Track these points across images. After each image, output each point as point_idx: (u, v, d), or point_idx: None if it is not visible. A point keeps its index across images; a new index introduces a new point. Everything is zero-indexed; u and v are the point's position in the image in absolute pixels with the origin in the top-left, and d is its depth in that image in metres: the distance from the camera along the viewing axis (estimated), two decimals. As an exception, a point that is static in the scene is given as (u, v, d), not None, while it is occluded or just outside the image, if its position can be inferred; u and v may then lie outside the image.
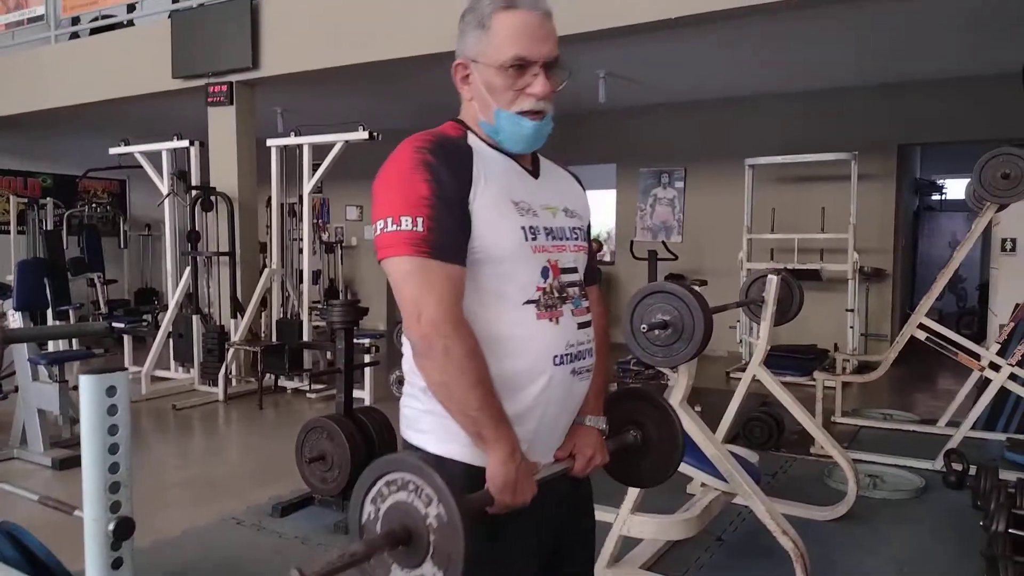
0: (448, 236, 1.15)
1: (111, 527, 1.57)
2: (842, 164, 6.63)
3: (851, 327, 6.60)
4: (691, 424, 2.50)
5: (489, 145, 1.26)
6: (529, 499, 1.17)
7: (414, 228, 1.13)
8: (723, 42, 5.59)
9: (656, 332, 2.33)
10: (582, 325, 1.29)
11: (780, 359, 6.27)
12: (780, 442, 4.33)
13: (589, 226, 1.44)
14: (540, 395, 1.23)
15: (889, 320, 7.33)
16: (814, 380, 4.79)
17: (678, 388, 2.51)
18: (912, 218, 9.25)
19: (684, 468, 2.87)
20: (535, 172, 1.33)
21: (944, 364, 4.21)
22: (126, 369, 1.57)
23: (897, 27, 5.22)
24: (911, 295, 8.18)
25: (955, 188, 10.00)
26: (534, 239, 1.23)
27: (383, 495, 1.07)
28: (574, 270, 1.31)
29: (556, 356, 1.24)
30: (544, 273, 1.24)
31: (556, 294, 1.25)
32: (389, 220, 1.15)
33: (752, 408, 4.41)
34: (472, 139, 1.25)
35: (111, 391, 1.54)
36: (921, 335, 4.11)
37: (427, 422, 1.24)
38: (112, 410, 1.54)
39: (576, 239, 1.33)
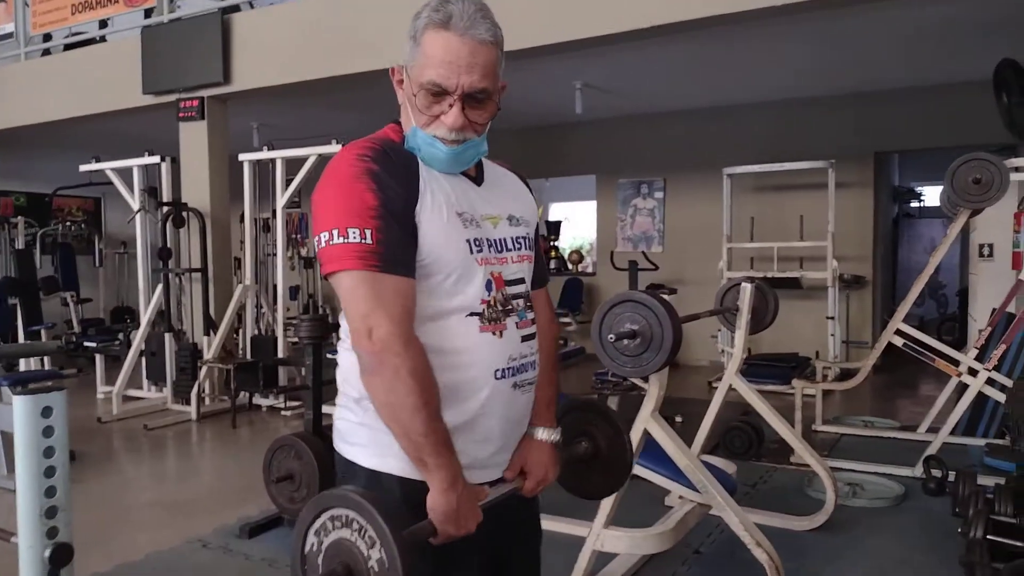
0: (397, 248, 1.11)
1: (47, 554, 1.50)
2: (819, 172, 6.65)
3: (832, 335, 6.60)
4: (663, 435, 2.45)
5: None
6: (473, 528, 1.12)
7: (362, 240, 1.08)
8: (699, 52, 5.60)
9: (625, 342, 2.28)
10: (526, 338, 1.26)
11: (761, 367, 6.25)
12: (760, 452, 4.29)
13: (537, 228, 1.39)
14: (480, 408, 1.20)
15: (870, 327, 7.34)
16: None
17: (649, 398, 2.46)
18: (891, 225, 9.29)
19: (658, 479, 2.82)
20: (478, 179, 1.28)
21: (927, 370, 4.20)
22: (63, 388, 1.50)
23: (871, 35, 5.24)
24: (892, 302, 8.19)
25: (933, 195, 10.06)
26: (479, 251, 1.20)
27: (327, 529, 1.04)
28: (520, 281, 1.28)
29: (497, 370, 1.21)
30: (488, 286, 1.20)
31: (500, 307, 1.21)
32: (335, 232, 1.09)
33: (732, 417, 4.37)
34: None
35: (47, 412, 1.47)
36: (899, 341, 4.09)
37: (362, 435, 1.21)
38: (48, 431, 1.47)
39: (520, 248, 1.29)
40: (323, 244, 1.11)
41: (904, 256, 9.69)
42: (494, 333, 1.20)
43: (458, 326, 1.17)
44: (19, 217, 8.47)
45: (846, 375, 5.44)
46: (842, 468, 3.93)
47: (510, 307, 1.23)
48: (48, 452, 1.47)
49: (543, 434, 1.34)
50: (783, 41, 5.38)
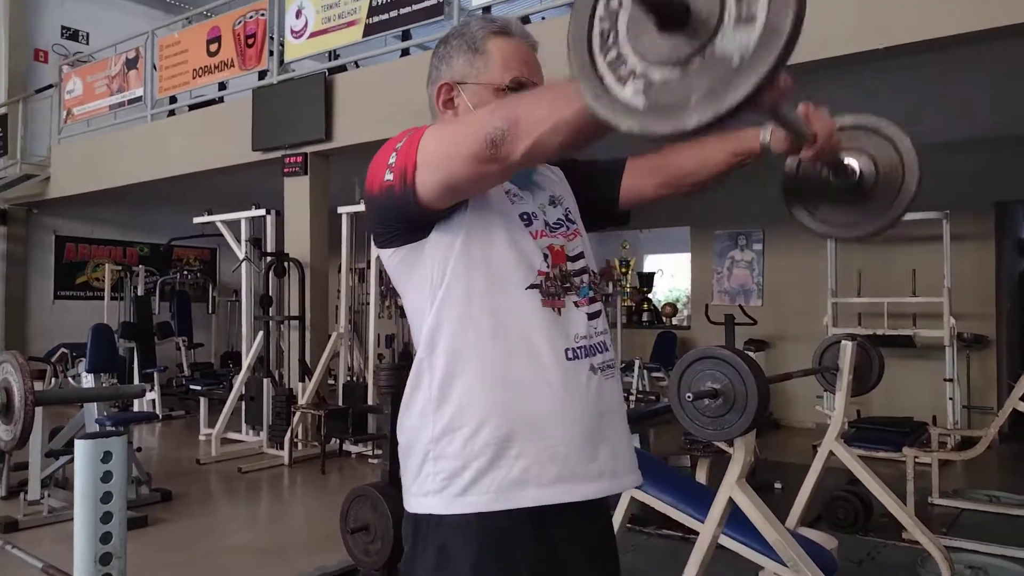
0: None
1: (101, 601, 1.50)
2: (933, 224, 6.23)
3: (951, 398, 6.08)
4: (749, 505, 2.27)
5: None
6: None
7: (416, 129, 1.05)
8: (800, 99, 5.40)
9: (706, 402, 2.14)
10: (591, 315, 1.15)
11: (870, 432, 5.80)
12: (868, 525, 3.94)
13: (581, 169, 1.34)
14: (558, 398, 1.08)
15: (995, 391, 6.73)
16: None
17: (734, 464, 2.29)
18: (1018, 280, 8.58)
19: (747, 552, 2.61)
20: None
21: (1061, 440, 3.80)
22: (124, 434, 1.51)
23: (991, 80, 4.91)
24: (1020, 363, 7.50)
25: (1066, 248, 9.24)
26: (528, 224, 1.14)
27: None
28: (579, 256, 1.19)
29: (568, 350, 1.10)
30: (545, 258, 1.13)
31: (559, 282, 1.12)
32: (392, 155, 1.05)
33: (837, 486, 4.05)
34: None
35: (107, 457, 1.49)
36: (1025, 408, 3.70)
37: (430, 482, 1.09)
38: (107, 477, 1.48)
39: (567, 226, 1.22)
40: (389, 168, 1.05)
41: (1034, 314, 8.90)
42: (554, 310, 1.11)
43: (518, 301, 1.09)
44: (140, 266, 9.07)
45: (967, 443, 4.97)
46: (962, 548, 3.54)
47: (568, 284, 1.14)
48: (106, 498, 1.48)
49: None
50: (894, 85, 5.12)
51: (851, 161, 1.23)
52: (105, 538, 1.49)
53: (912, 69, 4.65)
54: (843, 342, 3.14)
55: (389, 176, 1.04)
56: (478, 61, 1.15)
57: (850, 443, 5.23)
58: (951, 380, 6.09)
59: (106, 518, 1.49)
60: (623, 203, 1.36)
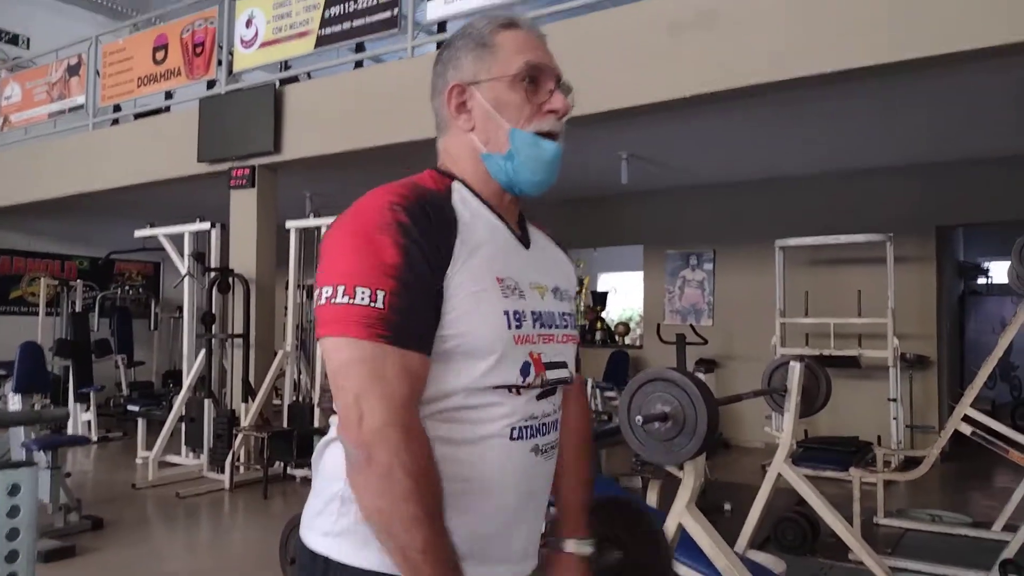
0: (414, 318, 0.92)
1: (5, 650, 1.38)
2: (878, 246, 6.38)
3: (895, 418, 6.20)
4: (699, 531, 2.23)
5: (479, 199, 1.06)
6: None
7: (372, 303, 0.90)
8: (748, 122, 5.48)
9: (656, 425, 2.11)
10: (542, 395, 1.05)
11: (818, 452, 5.89)
12: (816, 546, 3.95)
13: (575, 314, 1.21)
14: (493, 477, 0.99)
15: (936, 410, 6.88)
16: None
17: (684, 489, 2.25)
18: (958, 302, 8.85)
19: (697, 578, 2.58)
20: (525, 240, 1.11)
21: (1003, 458, 3.85)
22: (34, 464, 1.40)
23: (932, 105, 5.05)
24: (960, 383, 7.71)
25: (1001, 271, 9.59)
26: (518, 327, 1.01)
27: None
28: (562, 364, 1.08)
29: (513, 428, 1.00)
30: (525, 370, 1.01)
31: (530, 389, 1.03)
32: (340, 289, 0.92)
33: (785, 507, 4.06)
34: (457, 193, 1.05)
35: (14, 490, 1.37)
36: (966, 429, 3.76)
37: (339, 520, 0.99)
38: (13, 512, 1.36)
39: (566, 327, 1.11)
40: (323, 301, 0.93)
41: (972, 335, 9.19)
42: (509, 390, 1.01)
43: (474, 393, 0.99)
44: (78, 280, 8.74)
45: (911, 463, 5.06)
46: (907, 569, 3.58)
47: (541, 393, 1.05)
48: (12, 535, 1.36)
49: (574, 547, 1.14)
50: (838, 112, 5.23)
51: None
52: (9, 579, 1.37)
53: (854, 95, 4.76)
54: (791, 363, 3.15)
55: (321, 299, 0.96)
56: (487, 56, 1.06)
57: (797, 463, 5.28)
58: (895, 400, 6.21)
59: (12, 557, 1.37)
60: None
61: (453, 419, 0.97)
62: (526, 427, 1.02)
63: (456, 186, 1.06)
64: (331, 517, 1.00)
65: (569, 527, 1.16)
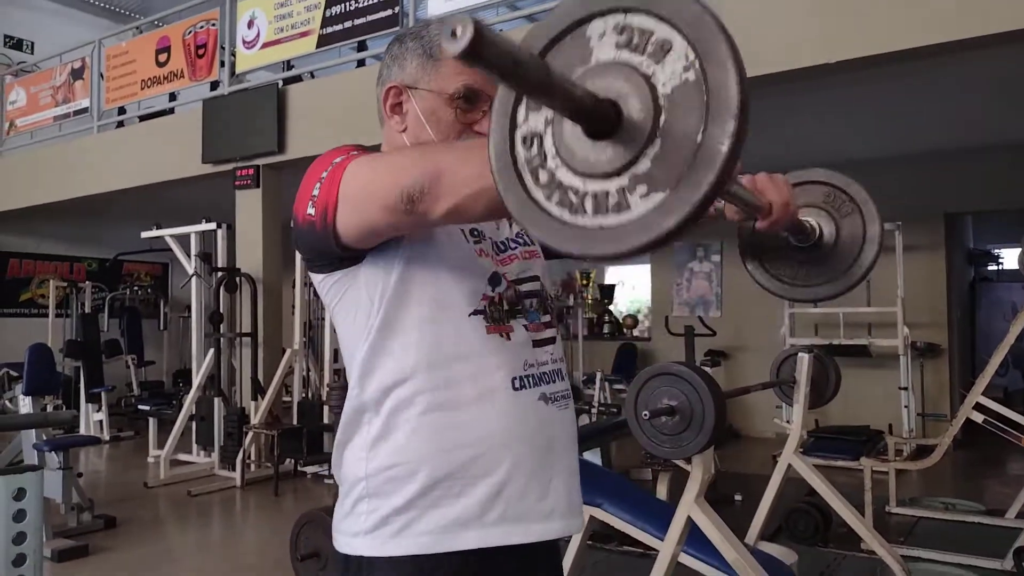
0: None
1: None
2: (886, 235, 6.26)
3: (906, 406, 6.16)
4: (708, 524, 2.22)
5: None
6: None
7: (340, 163, 0.96)
8: (753, 113, 5.41)
9: (663, 419, 2.10)
10: (540, 343, 1.06)
11: (829, 441, 5.87)
12: (827, 536, 3.94)
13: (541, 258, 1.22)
14: (504, 431, 0.99)
15: (948, 398, 6.85)
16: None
17: (692, 482, 2.24)
18: (968, 290, 8.78)
19: (708, 571, 2.57)
20: None
21: (1017, 446, 3.82)
22: (39, 469, 1.40)
23: (940, 93, 5.01)
24: (971, 371, 7.66)
25: (1012, 258, 9.51)
26: (476, 241, 1.06)
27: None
28: (532, 278, 1.11)
29: (514, 379, 1.00)
30: (493, 279, 1.04)
31: (503, 306, 1.03)
32: (317, 185, 0.96)
33: (796, 497, 4.05)
34: None
35: (20, 494, 1.37)
36: (978, 417, 3.73)
37: (363, 521, 1.00)
38: (20, 516, 1.37)
39: (526, 244, 1.14)
40: (308, 210, 0.96)
41: (983, 322, 9.11)
42: (501, 335, 1.02)
43: (460, 327, 1.00)
44: (87, 282, 8.78)
45: (922, 451, 5.03)
46: (919, 557, 3.56)
47: (519, 307, 1.06)
48: (19, 539, 1.36)
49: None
50: (845, 100, 5.19)
51: (809, 220, 1.19)
52: (17, 583, 1.38)
53: (860, 84, 4.72)
54: (800, 355, 3.13)
55: (311, 211, 0.96)
56: (431, 68, 1.07)
57: (808, 453, 5.28)
58: (905, 388, 6.17)
59: (19, 561, 1.37)
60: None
61: (451, 382, 0.98)
62: (527, 376, 1.02)
63: None
64: (360, 518, 1.01)
65: None
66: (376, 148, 4.19)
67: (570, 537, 2.46)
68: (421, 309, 0.99)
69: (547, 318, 1.10)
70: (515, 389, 1.01)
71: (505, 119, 0.71)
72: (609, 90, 0.63)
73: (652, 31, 0.62)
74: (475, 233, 1.05)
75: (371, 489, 1.00)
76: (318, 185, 0.96)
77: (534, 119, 0.70)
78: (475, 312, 1.00)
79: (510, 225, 1.14)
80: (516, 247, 1.12)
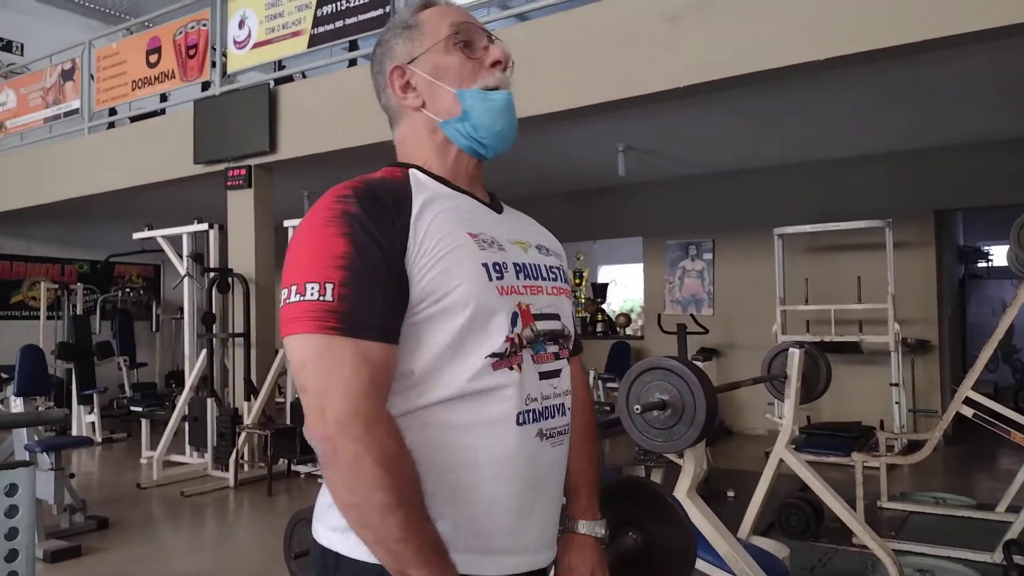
0: (368, 306, 0.90)
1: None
2: (876, 232, 6.38)
3: (897, 402, 6.20)
4: (700, 517, 2.23)
5: (438, 179, 1.05)
6: None
7: (320, 297, 0.89)
8: (744, 111, 5.47)
9: (654, 413, 2.10)
10: (546, 375, 1.02)
11: (821, 438, 5.90)
12: (820, 531, 3.96)
13: (568, 274, 1.19)
14: (492, 464, 0.96)
15: (939, 394, 6.88)
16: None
17: (684, 476, 2.25)
18: (958, 286, 8.83)
19: (701, 565, 2.58)
20: (496, 207, 1.11)
21: (1006, 441, 3.84)
22: (31, 464, 1.40)
23: (928, 90, 5.04)
24: (961, 367, 7.70)
25: (1002, 254, 9.56)
26: (499, 278, 0.98)
27: None
28: (554, 316, 1.05)
29: (519, 414, 0.97)
30: (513, 320, 0.98)
31: (523, 343, 0.99)
32: (293, 289, 0.91)
33: (788, 493, 4.07)
34: (413, 177, 1.04)
35: (11, 490, 1.37)
36: (968, 412, 3.76)
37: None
38: (11, 512, 1.37)
39: (555, 279, 1.09)
40: (282, 303, 0.93)
41: (973, 319, 9.17)
42: (509, 368, 0.98)
43: (471, 368, 0.96)
44: (79, 284, 8.74)
45: (913, 447, 5.06)
46: (911, 551, 3.58)
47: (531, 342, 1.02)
48: (11, 534, 1.37)
49: (585, 528, 1.12)
50: (835, 98, 5.22)
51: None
52: (10, 578, 1.38)
53: (849, 81, 4.75)
54: (790, 350, 3.14)
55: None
56: (415, 34, 1.07)
57: (800, 449, 5.29)
58: (896, 384, 6.21)
59: (11, 556, 1.38)
60: None
61: (452, 407, 0.96)
62: (528, 411, 0.99)
63: (413, 172, 1.05)
64: (338, 514, 0.98)
65: (580, 508, 1.14)
66: (368, 148, 4.20)
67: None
68: (433, 348, 0.95)
69: (553, 348, 1.05)
70: (517, 425, 0.98)
71: None
72: None
73: None
74: (497, 267, 0.99)
75: None
76: (285, 292, 0.94)
77: None
78: (492, 355, 0.97)
79: (539, 252, 1.11)
80: (547, 279, 1.08)
